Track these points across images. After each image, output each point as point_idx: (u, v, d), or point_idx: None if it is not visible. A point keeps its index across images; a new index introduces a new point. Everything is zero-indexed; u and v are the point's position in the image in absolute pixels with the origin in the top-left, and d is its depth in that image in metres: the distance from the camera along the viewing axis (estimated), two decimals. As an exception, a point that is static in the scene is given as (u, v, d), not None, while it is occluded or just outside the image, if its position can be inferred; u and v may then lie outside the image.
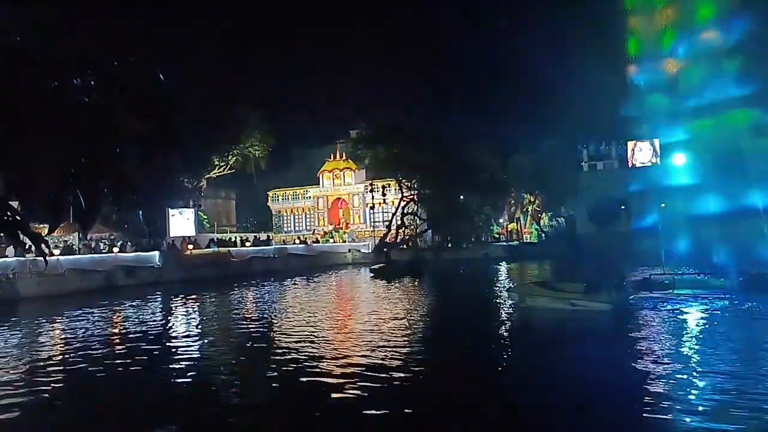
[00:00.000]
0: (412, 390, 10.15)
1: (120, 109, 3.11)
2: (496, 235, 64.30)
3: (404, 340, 14.52)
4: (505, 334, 15.93)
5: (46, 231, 3.23)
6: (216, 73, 49.14)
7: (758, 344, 13.37)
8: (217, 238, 48.20)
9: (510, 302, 20.20)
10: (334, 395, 9.71)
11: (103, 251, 36.55)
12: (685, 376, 10.33)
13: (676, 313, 17.08)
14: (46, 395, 10.57)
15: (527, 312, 18.23)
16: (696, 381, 10.05)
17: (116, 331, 18.38)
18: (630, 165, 56.79)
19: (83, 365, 12.99)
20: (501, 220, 66.09)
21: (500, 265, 42.58)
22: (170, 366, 12.88)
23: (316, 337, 15.28)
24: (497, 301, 22.47)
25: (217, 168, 59.84)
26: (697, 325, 15.59)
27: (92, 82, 2.99)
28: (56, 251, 31.86)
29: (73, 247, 35.55)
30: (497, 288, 27.03)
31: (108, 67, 3.08)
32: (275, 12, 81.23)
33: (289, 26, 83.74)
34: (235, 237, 52.40)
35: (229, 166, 60.81)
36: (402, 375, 10.92)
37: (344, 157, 65.57)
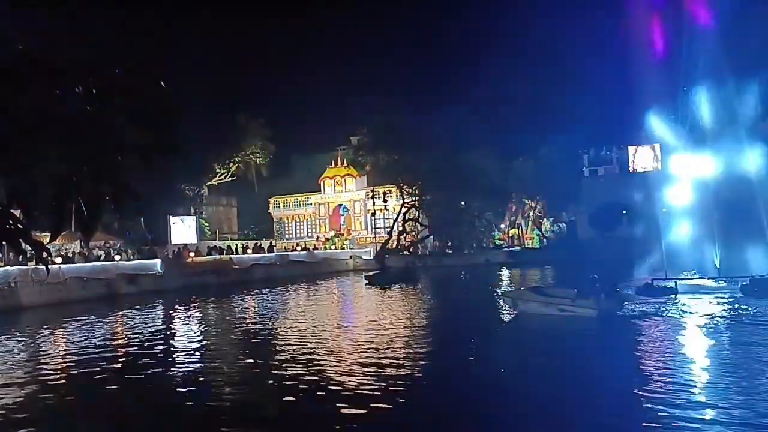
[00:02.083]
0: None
1: (121, 117, 3.11)
2: (498, 241, 64.20)
3: (388, 344, 14.64)
4: (487, 338, 15.98)
5: (48, 239, 3.22)
6: (217, 80, 49.29)
7: (732, 351, 12.85)
8: (213, 246, 47.88)
9: (503, 307, 20.36)
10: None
11: (99, 259, 36.33)
12: (623, 390, 9.77)
13: (665, 320, 16.89)
14: (47, 404, 10.55)
15: (517, 317, 18.48)
16: (628, 396, 9.39)
17: (117, 340, 18.35)
18: (631, 170, 56.73)
19: (85, 374, 12.98)
20: (502, 226, 65.95)
21: (501, 271, 42.51)
22: (171, 374, 12.86)
23: (310, 348, 15.27)
24: (490, 306, 22.49)
25: (218, 175, 59.90)
26: (678, 332, 15.21)
27: (93, 90, 3.00)
28: (58, 260, 31.86)
29: (68, 255, 35.39)
30: (492, 294, 26.90)
31: (109, 74, 3.08)
32: (275, 18, 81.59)
33: (289, 32, 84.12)
34: (235, 244, 52.33)
35: (230, 173, 60.87)
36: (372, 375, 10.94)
37: (345, 164, 65.64)
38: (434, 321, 19.50)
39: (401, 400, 9.81)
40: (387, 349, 14.04)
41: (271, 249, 52.19)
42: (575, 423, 8.37)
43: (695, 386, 9.97)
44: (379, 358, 12.89)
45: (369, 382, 10.85)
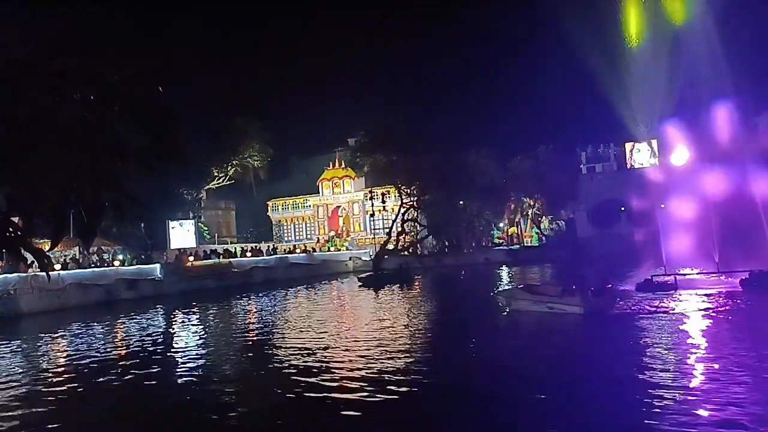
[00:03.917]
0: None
1: (119, 123, 3.12)
2: (497, 240, 64.23)
3: (375, 345, 14.71)
4: (473, 337, 15.99)
5: (48, 246, 3.23)
6: (215, 84, 49.33)
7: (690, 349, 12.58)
8: (211, 250, 47.69)
9: (495, 305, 20.49)
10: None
11: (94, 265, 36.12)
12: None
13: (660, 316, 16.72)
14: (49, 410, 10.53)
15: (508, 314, 18.79)
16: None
17: (115, 347, 18.27)
18: (629, 167, 56.87)
19: (85, 380, 12.97)
20: (501, 225, 65.99)
21: (500, 270, 42.46)
22: (171, 382, 12.85)
23: (307, 350, 15.28)
24: (482, 305, 22.45)
25: (216, 179, 59.88)
26: (673, 329, 14.91)
27: (92, 97, 3.01)
28: (57, 266, 31.80)
29: (66, 261, 35.21)
30: (487, 293, 26.65)
31: (107, 80, 3.09)
32: (273, 22, 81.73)
33: (287, 36, 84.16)
34: (234, 248, 52.31)
35: (228, 176, 60.85)
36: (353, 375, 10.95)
37: (343, 166, 65.64)
38: (424, 322, 19.37)
39: (395, 401, 9.84)
40: (379, 352, 14.02)
41: (273, 251, 52.25)
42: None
43: (690, 385, 9.95)
44: (374, 364, 12.89)
45: (364, 384, 10.83)
